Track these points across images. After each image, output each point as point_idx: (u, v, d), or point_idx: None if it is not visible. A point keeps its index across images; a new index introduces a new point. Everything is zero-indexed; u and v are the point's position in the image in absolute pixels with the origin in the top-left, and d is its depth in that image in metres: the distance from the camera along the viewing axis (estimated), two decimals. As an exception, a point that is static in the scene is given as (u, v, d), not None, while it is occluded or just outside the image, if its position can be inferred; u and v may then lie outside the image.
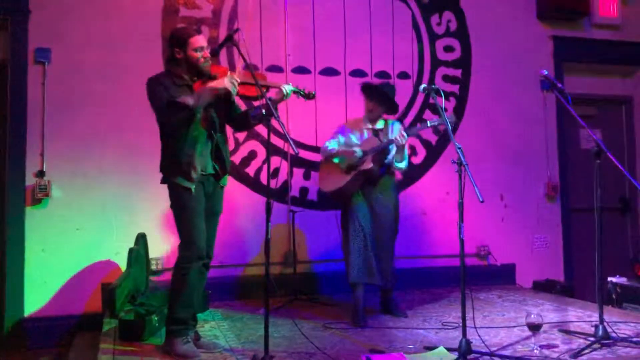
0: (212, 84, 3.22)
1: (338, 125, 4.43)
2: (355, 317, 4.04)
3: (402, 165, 4.22)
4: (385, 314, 4.29)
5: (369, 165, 4.12)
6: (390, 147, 4.16)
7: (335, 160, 4.24)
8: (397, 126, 4.30)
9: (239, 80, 3.25)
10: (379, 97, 4.23)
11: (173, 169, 3.27)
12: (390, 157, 4.22)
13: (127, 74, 4.77)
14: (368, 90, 4.29)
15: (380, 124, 4.31)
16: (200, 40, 3.30)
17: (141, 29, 4.93)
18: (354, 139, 4.25)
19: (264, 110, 3.18)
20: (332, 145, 4.27)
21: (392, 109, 4.37)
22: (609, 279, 4.84)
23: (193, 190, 3.25)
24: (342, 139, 4.29)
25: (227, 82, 3.20)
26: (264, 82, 3.44)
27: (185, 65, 3.30)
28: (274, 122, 3.23)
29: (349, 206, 4.18)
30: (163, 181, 3.34)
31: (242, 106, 3.83)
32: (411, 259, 5.37)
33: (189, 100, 3.15)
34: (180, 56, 3.28)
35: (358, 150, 4.14)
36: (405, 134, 4.02)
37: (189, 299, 3.29)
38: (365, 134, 4.27)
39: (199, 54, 3.27)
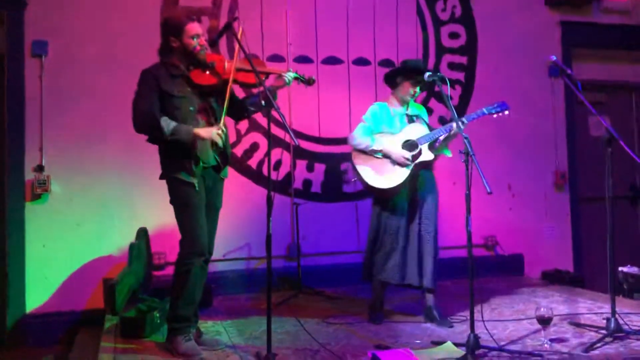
0: (199, 131, 3.11)
1: (367, 111, 3.96)
2: (373, 314, 3.92)
3: (449, 154, 3.94)
4: (430, 322, 3.83)
5: (431, 155, 3.81)
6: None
7: (379, 156, 3.82)
8: (424, 111, 4.06)
9: (225, 131, 3.16)
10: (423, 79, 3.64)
11: (173, 163, 3.18)
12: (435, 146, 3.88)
13: (127, 66, 4.62)
14: (415, 74, 3.81)
15: (412, 109, 3.98)
16: (195, 28, 3.20)
17: (140, 21, 4.82)
18: (388, 126, 3.87)
19: (263, 102, 3.09)
20: (365, 134, 3.83)
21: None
22: (620, 269, 4.75)
23: (196, 185, 3.16)
24: (375, 124, 3.87)
25: (214, 135, 3.11)
26: (264, 69, 3.34)
27: (181, 54, 3.20)
28: (274, 113, 3.14)
29: (389, 202, 3.85)
30: (162, 177, 3.25)
31: (241, 94, 3.75)
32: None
33: (166, 128, 3.06)
34: (176, 45, 3.18)
35: (409, 155, 3.77)
36: (465, 120, 3.67)
37: (190, 296, 3.21)
38: (403, 121, 3.91)
39: (195, 42, 3.17)
